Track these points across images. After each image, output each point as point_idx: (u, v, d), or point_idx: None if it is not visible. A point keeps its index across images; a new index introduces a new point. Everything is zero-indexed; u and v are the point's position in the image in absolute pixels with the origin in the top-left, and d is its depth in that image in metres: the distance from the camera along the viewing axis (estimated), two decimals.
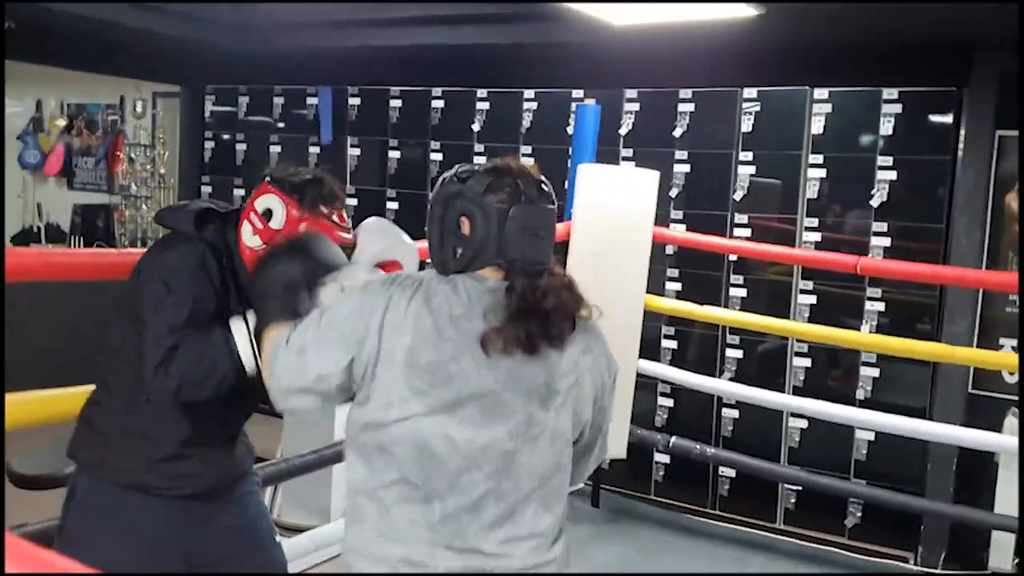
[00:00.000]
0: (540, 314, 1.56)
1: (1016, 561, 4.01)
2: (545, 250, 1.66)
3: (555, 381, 1.58)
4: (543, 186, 1.69)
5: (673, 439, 4.42)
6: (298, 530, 3.66)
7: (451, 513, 1.52)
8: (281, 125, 6.01)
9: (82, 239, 6.76)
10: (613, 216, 4.01)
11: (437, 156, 5.46)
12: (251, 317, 1.81)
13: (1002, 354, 4.11)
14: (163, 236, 2.02)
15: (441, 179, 1.72)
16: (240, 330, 1.81)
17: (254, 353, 1.79)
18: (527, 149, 5.19)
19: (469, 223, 1.63)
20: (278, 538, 2.17)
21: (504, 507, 1.54)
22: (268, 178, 1.95)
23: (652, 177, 4.10)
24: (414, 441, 1.52)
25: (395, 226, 2.06)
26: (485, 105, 5.32)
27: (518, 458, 1.55)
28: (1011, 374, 4.19)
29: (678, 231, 4.68)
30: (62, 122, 7.44)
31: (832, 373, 4.50)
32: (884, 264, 4.12)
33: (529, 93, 5.18)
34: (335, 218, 1.92)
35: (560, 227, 4.21)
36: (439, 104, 5.46)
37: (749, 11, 3.68)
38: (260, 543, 2.04)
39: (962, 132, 4.14)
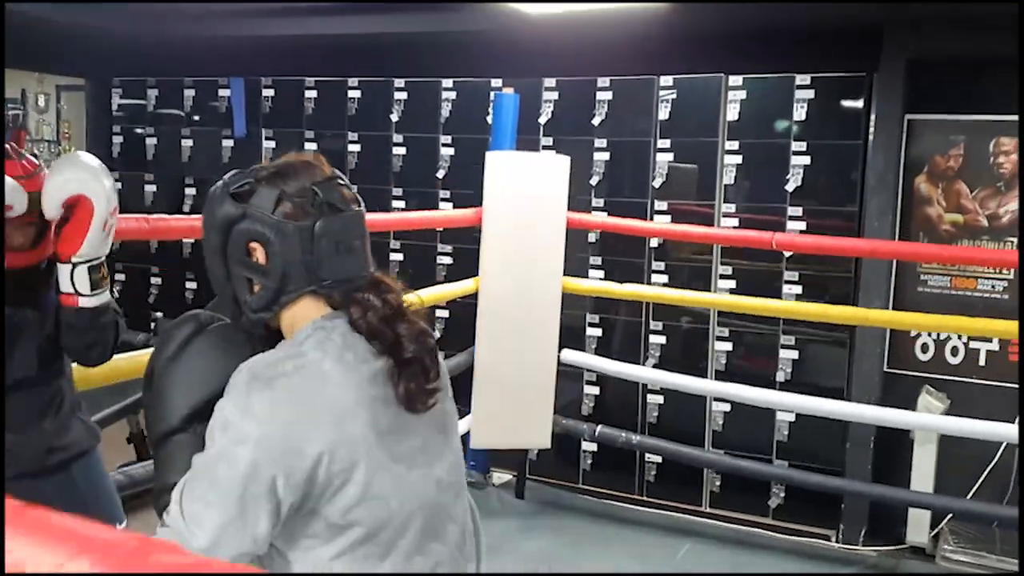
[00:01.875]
0: (408, 367, 1.37)
1: (933, 535, 4.13)
2: (365, 260, 1.43)
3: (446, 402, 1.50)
4: (340, 182, 1.43)
5: (599, 428, 4.43)
6: None
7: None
8: (195, 118, 5.84)
9: None
10: (525, 202, 4.00)
11: (355, 147, 5.37)
12: None
13: (910, 314, 4.16)
14: None
15: (209, 195, 1.41)
16: None
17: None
18: (447, 139, 5.13)
19: (263, 250, 1.36)
20: (121, 525, 2.12)
21: (454, 524, 1.45)
22: None
23: (563, 162, 4.09)
24: (419, 503, 1.37)
25: (94, 160, 1.90)
26: (403, 95, 5.25)
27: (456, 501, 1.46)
28: (923, 351, 4.31)
29: (598, 217, 4.68)
30: None
31: (752, 357, 4.56)
32: (799, 239, 4.17)
33: (448, 83, 5.13)
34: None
35: (469, 212, 4.23)
36: (356, 94, 5.37)
37: None
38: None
39: (872, 116, 4.22)
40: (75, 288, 1.85)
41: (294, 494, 1.26)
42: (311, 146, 5.48)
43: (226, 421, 1.27)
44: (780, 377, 4.46)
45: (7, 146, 1.84)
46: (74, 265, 1.84)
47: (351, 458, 1.29)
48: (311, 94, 5.48)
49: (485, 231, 4.00)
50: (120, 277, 5.92)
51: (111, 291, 1.96)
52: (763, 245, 3.97)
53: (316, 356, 1.32)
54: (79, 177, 1.82)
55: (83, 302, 1.87)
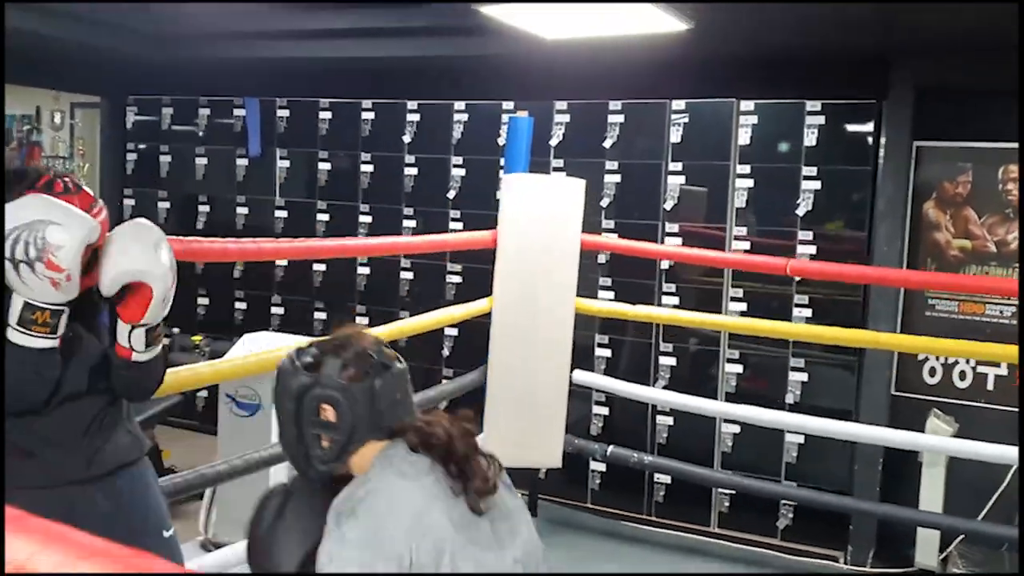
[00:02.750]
0: (466, 463, 1.60)
1: (942, 557, 4.15)
2: (412, 406, 1.69)
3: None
4: (385, 348, 1.70)
5: (611, 448, 4.46)
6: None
7: None
8: (207, 136, 5.90)
9: None
10: (540, 224, 4.06)
11: (368, 168, 5.42)
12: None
13: (919, 338, 4.20)
14: None
15: (280, 369, 1.67)
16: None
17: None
18: (458, 160, 5.19)
19: (334, 410, 1.61)
20: (168, 533, 2.15)
21: None
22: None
23: (578, 185, 4.15)
24: None
25: (151, 232, 1.94)
26: (415, 117, 5.31)
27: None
28: (931, 375, 4.35)
29: (612, 239, 4.73)
30: None
31: (762, 378, 4.60)
32: (813, 266, 4.22)
33: (460, 105, 5.19)
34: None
35: (485, 234, 4.28)
36: (369, 116, 5.43)
37: (679, 26, 3.75)
38: (136, 533, 2.00)
39: (882, 142, 4.28)
40: (131, 345, 1.94)
41: None
42: (324, 166, 5.54)
43: (330, 556, 1.47)
44: (789, 399, 4.50)
45: (65, 180, 1.87)
46: (133, 327, 1.92)
47: (437, 546, 1.48)
48: (325, 115, 5.54)
49: (500, 252, 4.04)
50: None
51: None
52: (777, 271, 4.02)
53: (382, 475, 1.55)
54: (137, 266, 1.87)
55: (136, 356, 1.95)
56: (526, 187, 4.13)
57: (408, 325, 4.05)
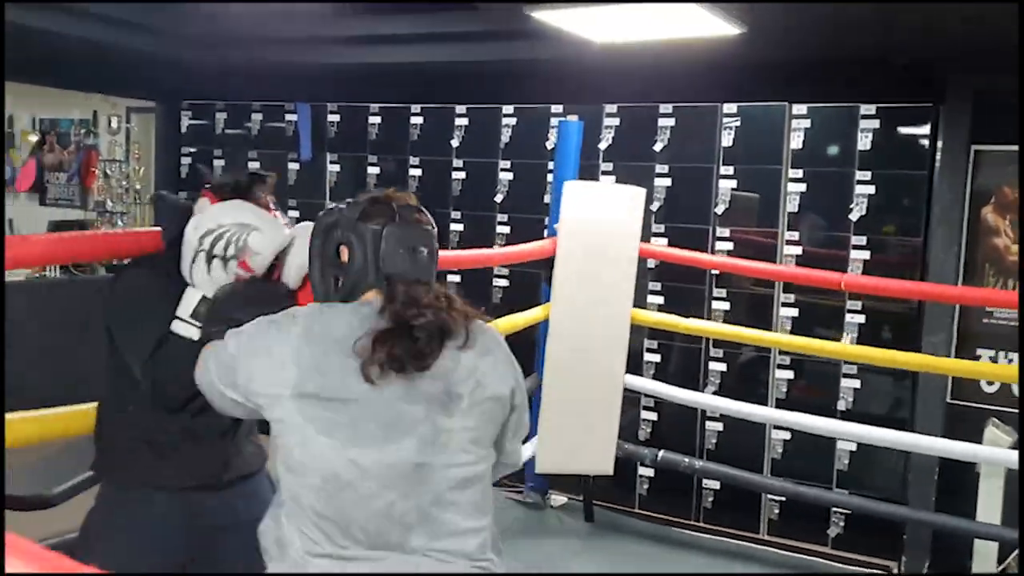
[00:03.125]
0: (408, 334, 1.53)
1: (1000, 569, 4.07)
2: (426, 267, 1.67)
3: (454, 387, 1.56)
4: (420, 209, 1.72)
5: (661, 453, 4.44)
6: None
7: (373, 539, 1.50)
8: (259, 140, 5.98)
9: None
10: (599, 232, 4.04)
11: (416, 171, 5.46)
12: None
13: (979, 363, 4.16)
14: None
15: (320, 213, 1.75)
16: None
17: None
18: (506, 164, 5.20)
19: (348, 251, 1.65)
20: None
21: (425, 522, 1.51)
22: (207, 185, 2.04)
23: (639, 194, 4.12)
24: (322, 475, 1.49)
25: None
26: (464, 121, 5.33)
27: (431, 469, 1.52)
28: (989, 384, 4.26)
29: (661, 245, 4.70)
30: (34, 137, 7.36)
31: (814, 385, 4.55)
32: (867, 280, 4.14)
33: (508, 108, 5.20)
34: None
35: (546, 243, 4.27)
36: (418, 120, 5.46)
37: (731, 30, 3.72)
38: (247, 547, 2.05)
39: (939, 146, 4.21)
40: None
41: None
42: (373, 170, 5.58)
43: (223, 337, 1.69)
44: (841, 406, 4.44)
45: (269, 199, 2.02)
46: None
47: (273, 394, 1.55)
48: (375, 119, 5.58)
49: (558, 259, 4.03)
50: None
51: None
52: (832, 286, 3.97)
53: (308, 309, 1.64)
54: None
55: None
56: (586, 194, 4.11)
57: None
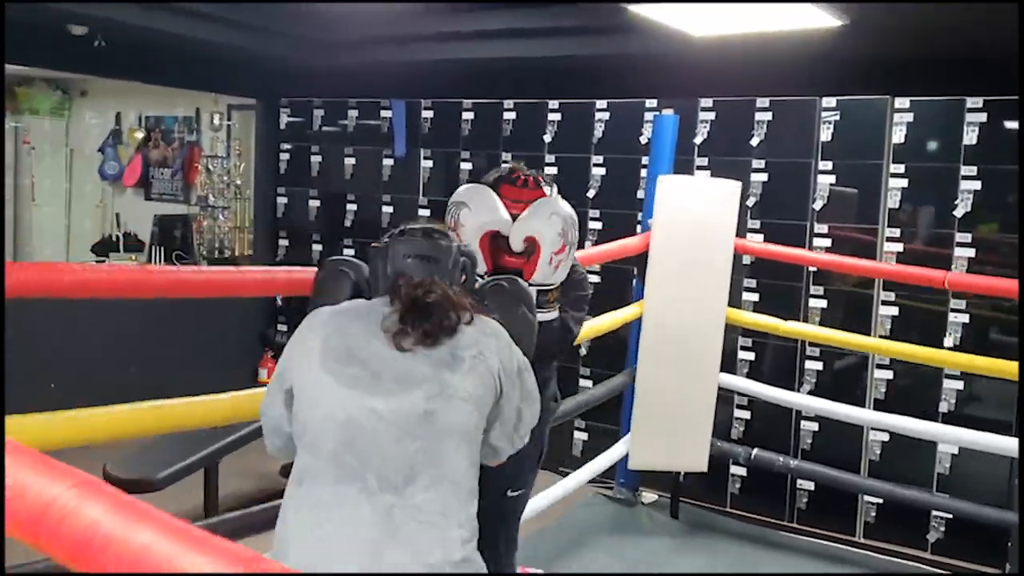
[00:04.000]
0: (424, 309, 1.76)
1: None
2: (428, 271, 1.87)
3: (459, 351, 1.76)
4: (430, 226, 1.98)
5: (755, 451, 4.38)
6: None
7: (382, 482, 1.65)
8: (355, 137, 6.10)
9: (162, 249, 6.91)
10: (694, 228, 4.01)
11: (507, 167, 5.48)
12: None
13: None
14: None
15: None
16: None
17: None
18: (598, 159, 5.20)
19: (371, 269, 1.97)
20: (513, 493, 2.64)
21: (430, 466, 1.68)
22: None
23: (734, 188, 4.08)
24: (341, 421, 1.67)
25: (559, 207, 2.51)
26: (557, 116, 5.35)
27: (436, 415, 1.69)
28: None
29: (757, 242, 4.64)
30: (140, 134, 7.63)
31: (914, 386, 4.43)
32: (973, 279, 4.01)
33: (601, 104, 5.19)
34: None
35: (638, 238, 4.26)
36: (511, 116, 5.50)
37: (833, 21, 3.65)
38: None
39: None
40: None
41: None
42: (466, 166, 5.64)
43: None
44: (943, 408, 4.32)
45: (520, 175, 2.61)
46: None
47: (293, 359, 1.80)
48: (468, 116, 5.64)
49: (652, 255, 4.02)
50: None
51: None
52: (935, 284, 3.85)
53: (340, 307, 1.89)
54: (532, 227, 2.46)
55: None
56: (681, 189, 4.09)
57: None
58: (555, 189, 2.66)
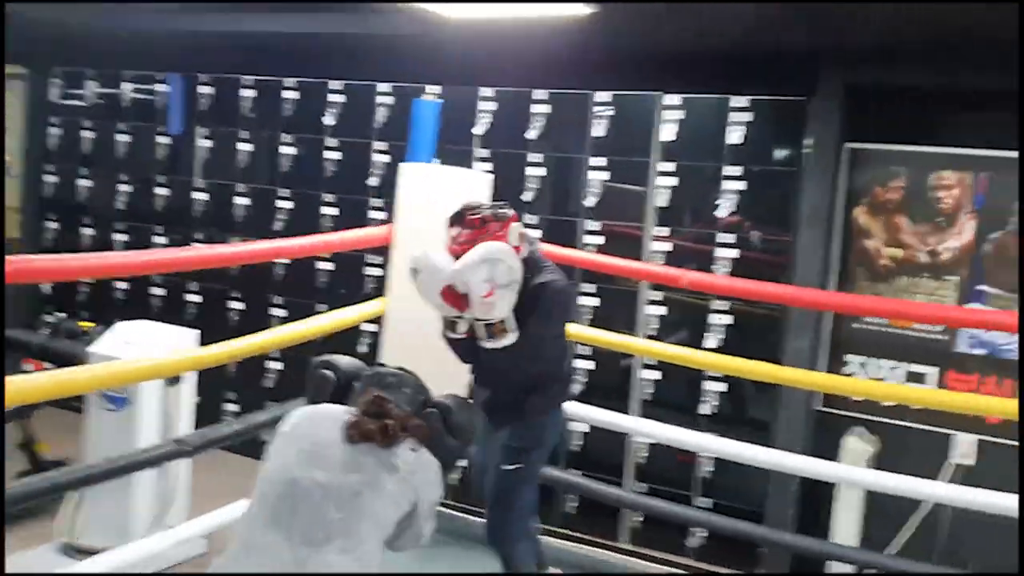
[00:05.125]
0: (376, 417, 2.13)
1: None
2: (391, 394, 2.26)
3: (398, 462, 2.08)
4: (388, 373, 2.41)
5: None
6: (94, 553, 3.38)
7: (303, 536, 1.96)
8: (128, 112, 5.67)
9: None
10: (440, 219, 3.78)
11: (290, 150, 5.17)
12: None
13: (845, 378, 4.01)
14: None
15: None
16: None
17: None
18: (382, 145, 4.94)
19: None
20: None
21: (345, 535, 1.97)
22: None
23: (484, 179, 3.89)
24: (287, 480, 2.03)
25: (483, 250, 2.78)
26: (340, 98, 5.06)
27: (364, 499, 2.01)
28: None
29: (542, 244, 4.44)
30: None
31: (679, 387, 4.34)
32: (706, 279, 3.98)
33: (384, 87, 4.94)
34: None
35: (381, 230, 4.01)
36: (292, 95, 5.18)
37: (582, 10, 3.49)
38: None
39: (808, 142, 4.00)
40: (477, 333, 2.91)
41: None
42: (244, 146, 5.29)
43: None
44: (706, 410, 4.24)
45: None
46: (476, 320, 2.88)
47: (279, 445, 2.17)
48: (248, 93, 5.30)
49: (395, 248, 3.79)
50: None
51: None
52: (672, 283, 3.80)
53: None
54: (462, 274, 2.79)
55: (483, 343, 2.91)
56: (426, 178, 3.86)
57: (310, 327, 3.73)
58: (508, 222, 2.89)
